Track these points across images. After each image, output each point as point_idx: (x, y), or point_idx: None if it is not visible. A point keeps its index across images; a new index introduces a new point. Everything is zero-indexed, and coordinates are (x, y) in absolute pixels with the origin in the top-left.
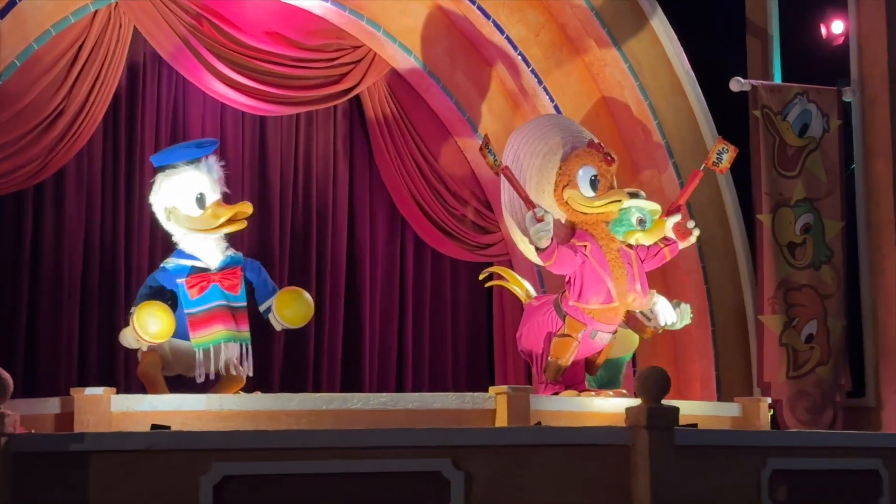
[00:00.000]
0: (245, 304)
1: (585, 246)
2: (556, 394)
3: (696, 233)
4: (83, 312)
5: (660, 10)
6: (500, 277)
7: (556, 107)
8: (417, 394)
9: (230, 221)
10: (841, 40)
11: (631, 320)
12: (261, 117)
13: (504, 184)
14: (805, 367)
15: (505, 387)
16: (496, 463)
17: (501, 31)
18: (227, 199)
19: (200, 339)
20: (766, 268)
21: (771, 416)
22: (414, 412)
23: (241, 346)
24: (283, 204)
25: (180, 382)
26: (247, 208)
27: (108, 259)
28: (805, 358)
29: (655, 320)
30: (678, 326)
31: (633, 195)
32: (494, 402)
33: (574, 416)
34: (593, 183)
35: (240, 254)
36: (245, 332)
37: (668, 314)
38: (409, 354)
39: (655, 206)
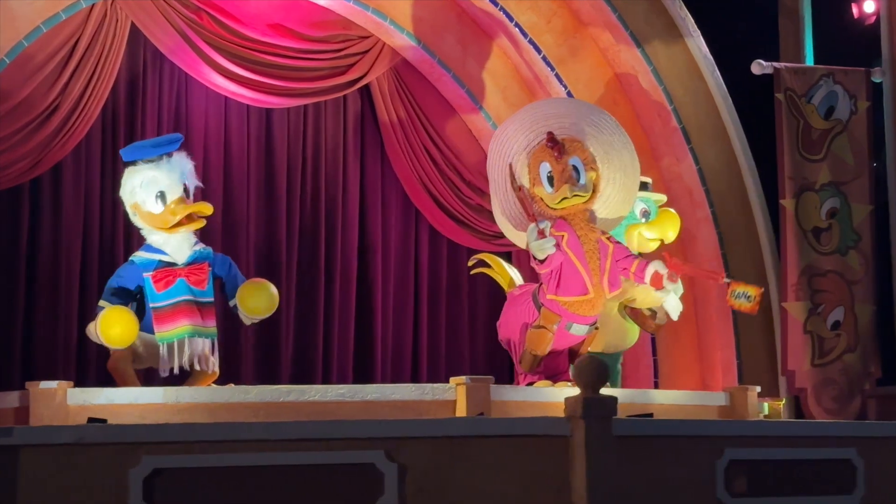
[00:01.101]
0: (212, 299)
1: (563, 236)
2: (532, 384)
3: (670, 296)
4: (81, 308)
5: None
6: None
7: (569, 93)
8: (376, 385)
9: (188, 219)
10: (873, 20)
11: (636, 315)
12: (267, 109)
13: (490, 161)
14: (831, 355)
15: (464, 377)
16: (431, 455)
17: (511, 19)
18: (205, 194)
19: (165, 333)
20: (790, 254)
21: (783, 404)
22: (373, 403)
23: (208, 341)
24: (291, 197)
25: (152, 376)
26: (205, 208)
27: (108, 254)
28: (831, 345)
29: (663, 315)
30: None
31: (641, 185)
32: (455, 392)
33: (542, 406)
34: (550, 180)
35: (209, 249)
36: (211, 327)
37: (677, 307)
38: (424, 347)
39: (659, 197)
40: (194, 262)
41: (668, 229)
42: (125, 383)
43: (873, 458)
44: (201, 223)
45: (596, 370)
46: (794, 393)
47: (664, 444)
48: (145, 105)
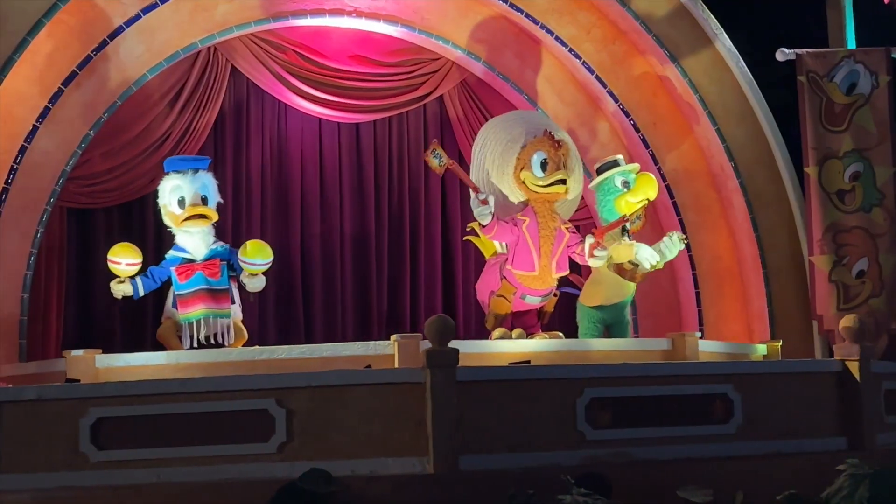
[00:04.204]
0: (227, 286)
1: (525, 220)
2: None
3: (602, 262)
4: None
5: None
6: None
7: (609, 92)
8: (330, 344)
9: (194, 218)
10: None
11: (619, 269)
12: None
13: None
14: (857, 300)
15: (397, 335)
16: (313, 401)
17: (551, 33)
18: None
19: (185, 314)
20: (814, 214)
21: (781, 345)
22: (328, 359)
23: (224, 320)
24: (380, 194)
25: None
26: (210, 213)
27: None
28: (857, 291)
29: (641, 266)
30: (670, 257)
31: (613, 163)
32: (393, 347)
33: (468, 356)
34: (543, 165)
35: (226, 246)
36: (226, 309)
37: (650, 257)
38: None
39: (633, 166)
40: (210, 258)
41: (648, 190)
42: (171, 348)
43: (748, 393)
44: (206, 222)
45: (440, 328)
46: (823, 334)
47: (518, 386)
48: (249, 126)
